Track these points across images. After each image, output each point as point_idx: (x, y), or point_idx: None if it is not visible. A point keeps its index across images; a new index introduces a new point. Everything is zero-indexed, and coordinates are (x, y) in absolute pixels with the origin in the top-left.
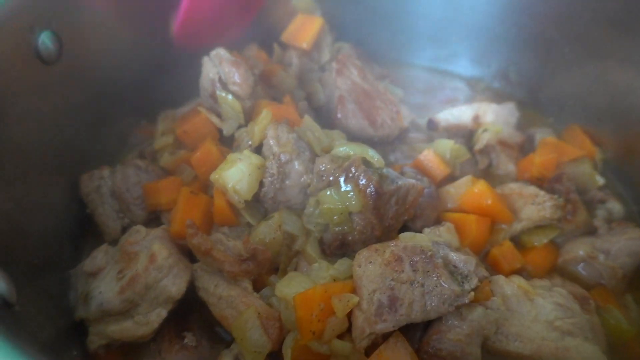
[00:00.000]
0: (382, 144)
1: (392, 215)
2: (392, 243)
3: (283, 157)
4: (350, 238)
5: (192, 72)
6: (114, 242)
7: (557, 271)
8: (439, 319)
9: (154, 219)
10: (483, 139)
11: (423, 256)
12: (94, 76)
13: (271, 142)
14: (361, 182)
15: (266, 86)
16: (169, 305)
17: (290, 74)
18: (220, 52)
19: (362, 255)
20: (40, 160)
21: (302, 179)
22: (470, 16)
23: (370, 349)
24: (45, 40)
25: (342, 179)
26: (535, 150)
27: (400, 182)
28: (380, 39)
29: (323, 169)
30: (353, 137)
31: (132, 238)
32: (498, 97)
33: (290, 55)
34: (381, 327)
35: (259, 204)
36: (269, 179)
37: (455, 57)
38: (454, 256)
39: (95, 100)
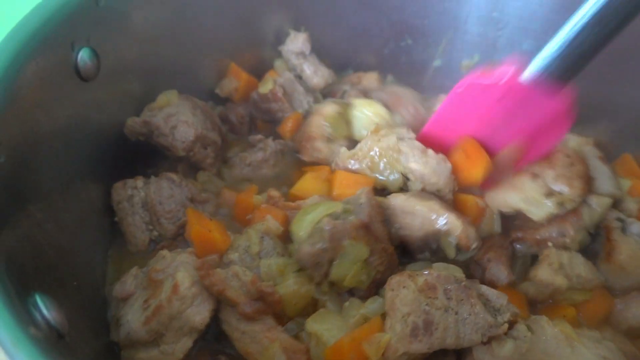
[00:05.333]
0: None
1: (383, 228)
2: (426, 271)
3: None
4: (379, 277)
5: None
6: (138, 253)
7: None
8: (470, 355)
9: (183, 232)
10: None
11: (457, 285)
12: (130, 94)
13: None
14: (350, 231)
15: None
16: (194, 335)
17: None
18: None
19: (395, 280)
20: (77, 176)
21: None
22: None
23: None
24: (84, 56)
25: (329, 245)
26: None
27: (360, 202)
28: None
29: (308, 258)
30: None
31: (159, 265)
32: None
33: None
34: (416, 347)
35: None
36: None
37: None
38: (486, 290)
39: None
